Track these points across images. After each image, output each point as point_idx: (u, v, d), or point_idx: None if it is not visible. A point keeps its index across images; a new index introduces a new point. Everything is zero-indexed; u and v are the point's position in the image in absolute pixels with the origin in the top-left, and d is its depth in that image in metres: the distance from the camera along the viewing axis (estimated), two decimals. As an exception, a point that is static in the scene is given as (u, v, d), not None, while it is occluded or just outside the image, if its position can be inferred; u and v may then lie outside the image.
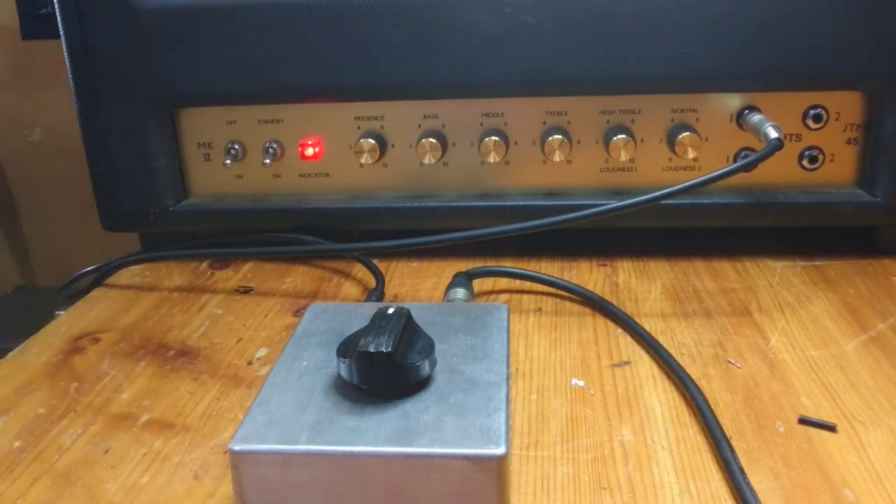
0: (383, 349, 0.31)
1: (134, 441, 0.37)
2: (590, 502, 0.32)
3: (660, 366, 0.42)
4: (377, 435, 0.30)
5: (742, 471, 0.32)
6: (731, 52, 0.50)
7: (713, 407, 0.37)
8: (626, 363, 0.42)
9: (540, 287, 0.52)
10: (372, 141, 0.55)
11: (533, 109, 0.54)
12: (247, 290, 0.53)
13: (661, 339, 0.44)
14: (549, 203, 0.54)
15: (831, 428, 0.36)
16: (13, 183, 0.91)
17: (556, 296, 0.51)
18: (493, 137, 0.53)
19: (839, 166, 0.54)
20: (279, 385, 0.33)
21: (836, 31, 0.49)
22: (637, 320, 0.46)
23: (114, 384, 0.42)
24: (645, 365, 0.42)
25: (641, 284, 0.52)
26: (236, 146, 0.56)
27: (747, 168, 0.47)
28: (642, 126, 0.54)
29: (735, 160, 0.54)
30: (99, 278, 0.56)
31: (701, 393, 0.38)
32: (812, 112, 0.52)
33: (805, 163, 0.54)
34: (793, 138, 0.53)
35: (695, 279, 0.52)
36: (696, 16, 0.49)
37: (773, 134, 0.48)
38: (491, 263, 0.55)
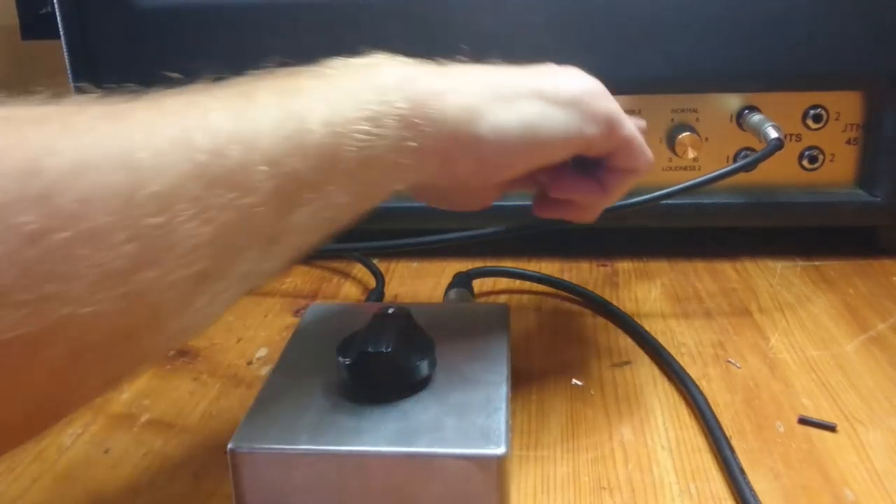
0: (383, 349, 0.31)
1: (134, 441, 0.37)
2: (590, 502, 0.32)
3: (660, 366, 0.42)
4: (377, 435, 0.30)
5: (742, 471, 0.32)
6: (731, 52, 0.50)
7: (713, 407, 0.37)
8: (626, 363, 0.42)
9: (540, 287, 0.52)
10: (372, 141, 0.54)
11: (533, 109, 0.54)
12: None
13: (661, 339, 0.44)
14: (549, 203, 0.54)
15: (831, 428, 0.36)
16: (13, 183, 0.91)
17: (556, 296, 0.51)
18: (493, 137, 0.53)
19: (839, 166, 0.54)
20: (279, 385, 0.33)
21: (836, 31, 0.49)
22: (637, 320, 0.46)
23: (114, 384, 0.42)
24: (645, 365, 0.42)
25: (641, 284, 0.52)
26: (236, 146, 0.56)
27: (747, 168, 0.47)
28: (642, 126, 0.54)
29: (735, 160, 0.54)
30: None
31: (701, 393, 0.38)
32: (812, 112, 0.52)
33: (805, 163, 0.54)
34: (793, 138, 0.53)
35: (695, 279, 0.52)
36: (696, 16, 0.49)
37: (773, 134, 0.48)
38: (491, 263, 0.55)
